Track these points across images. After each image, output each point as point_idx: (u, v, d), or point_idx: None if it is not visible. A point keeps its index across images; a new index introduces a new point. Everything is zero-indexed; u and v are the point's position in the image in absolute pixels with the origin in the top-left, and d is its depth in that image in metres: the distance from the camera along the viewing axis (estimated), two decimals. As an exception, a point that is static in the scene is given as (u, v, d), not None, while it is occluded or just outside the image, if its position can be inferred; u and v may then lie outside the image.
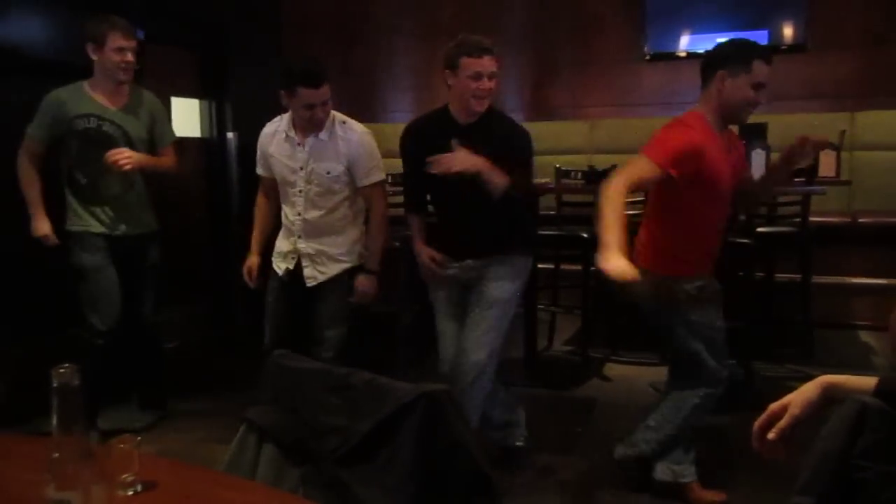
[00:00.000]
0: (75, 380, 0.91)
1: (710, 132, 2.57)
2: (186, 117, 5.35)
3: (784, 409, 1.34)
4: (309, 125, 3.00)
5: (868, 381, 1.30)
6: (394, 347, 4.31)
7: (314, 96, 2.89)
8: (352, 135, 3.06)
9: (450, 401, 1.23)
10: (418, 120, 3.07)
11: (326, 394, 1.39)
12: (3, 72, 3.80)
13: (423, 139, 2.91)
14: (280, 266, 3.17)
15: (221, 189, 5.51)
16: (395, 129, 6.96)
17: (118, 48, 3.29)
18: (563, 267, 4.68)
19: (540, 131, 6.19)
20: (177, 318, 5.15)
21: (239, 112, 5.49)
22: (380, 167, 3.13)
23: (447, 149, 2.73)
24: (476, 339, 2.84)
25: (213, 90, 5.47)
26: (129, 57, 3.32)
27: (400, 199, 4.89)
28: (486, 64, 2.78)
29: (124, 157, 3.26)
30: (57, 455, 0.94)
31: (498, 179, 2.69)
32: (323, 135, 3.02)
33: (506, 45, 6.48)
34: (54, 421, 0.93)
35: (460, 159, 2.67)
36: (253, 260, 3.26)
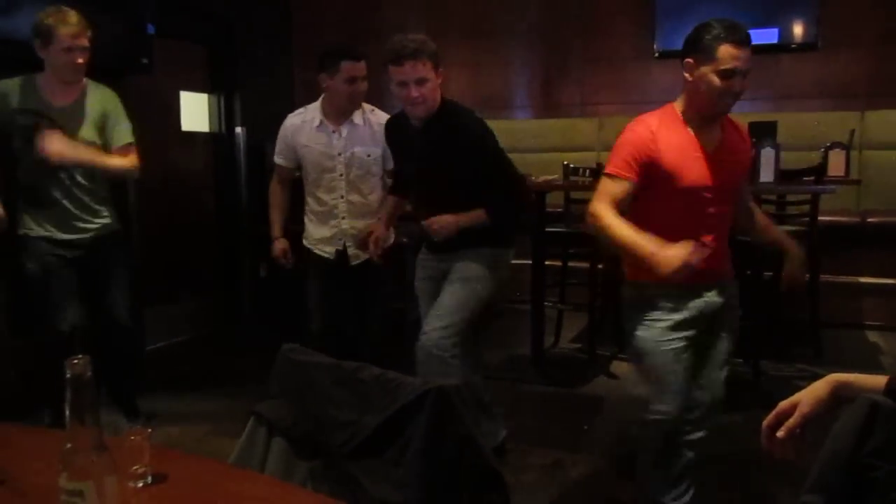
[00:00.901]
0: (88, 371, 0.92)
1: (676, 125, 2.29)
2: (195, 112, 5.36)
3: (793, 407, 1.33)
4: (350, 102, 3.19)
5: (878, 380, 1.30)
6: (401, 343, 4.31)
7: (357, 69, 3.12)
8: (383, 119, 3.22)
9: (459, 396, 1.23)
10: (392, 117, 3.06)
11: (336, 388, 1.40)
12: (13, 65, 3.81)
13: (392, 137, 3.04)
14: (327, 251, 3.37)
15: (229, 183, 5.51)
16: (404, 125, 6.89)
17: (66, 48, 2.94)
18: (571, 264, 4.67)
19: (549, 128, 6.25)
20: (184, 312, 5.18)
21: (247, 107, 5.50)
22: None
23: (406, 146, 2.88)
24: (434, 314, 2.80)
25: (222, 85, 5.48)
26: (79, 59, 2.97)
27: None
28: (409, 71, 2.59)
29: (49, 144, 2.92)
30: (70, 446, 0.95)
31: (468, 224, 2.74)
32: (357, 120, 3.24)
33: (515, 43, 6.49)
34: (67, 412, 0.93)
35: (438, 227, 2.76)
36: (283, 242, 3.43)
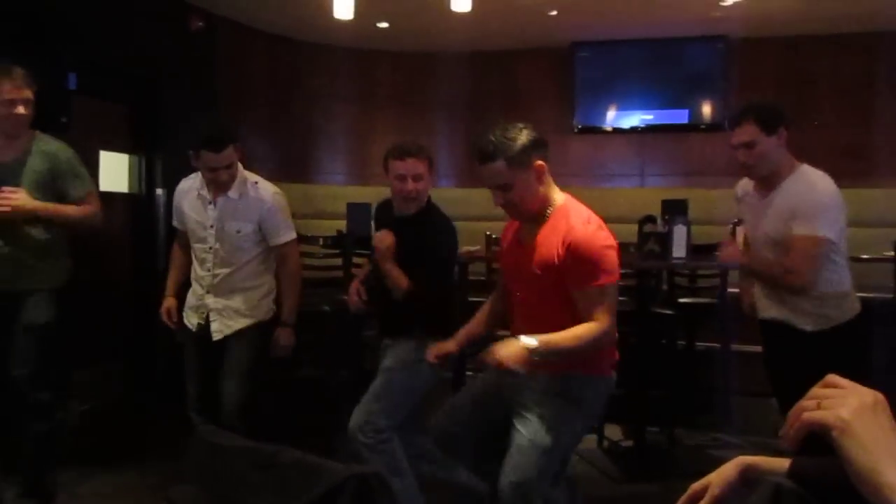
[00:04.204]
0: None
1: (514, 223, 2.52)
2: (114, 172, 5.25)
3: (704, 489, 1.38)
4: (213, 186, 3.12)
5: (782, 463, 1.35)
6: (321, 411, 4.24)
7: (216, 160, 3.02)
8: (263, 194, 3.18)
9: (381, 483, 1.22)
10: (381, 202, 3.28)
11: (254, 472, 1.36)
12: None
13: (377, 219, 3.21)
14: (192, 321, 3.25)
15: (147, 245, 5.38)
16: (327, 190, 6.99)
17: (7, 100, 3.06)
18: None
19: (472, 197, 6.32)
20: (95, 376, 4.96)
21: (169, 169, 5.41)
22: (291, 226, 3.27)
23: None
24: (359, 406, 2.93)
25: (144, 146, 5.39)
26: (20, 109, 3.08)
27: (329, 261, 4.90)
28: (410, 166, 2.90)
29: (5, 197, 3.00)
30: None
31: (397, 279, 2.87)
32: (233, 193, 3.14)
33: (441, 113, 6.66)
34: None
35: (379, 239, 2.93)
36: (170, 301, 3.31)
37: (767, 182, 2.87)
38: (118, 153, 5.28)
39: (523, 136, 2.26)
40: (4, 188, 3.02)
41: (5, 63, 3.11)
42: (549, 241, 2.28)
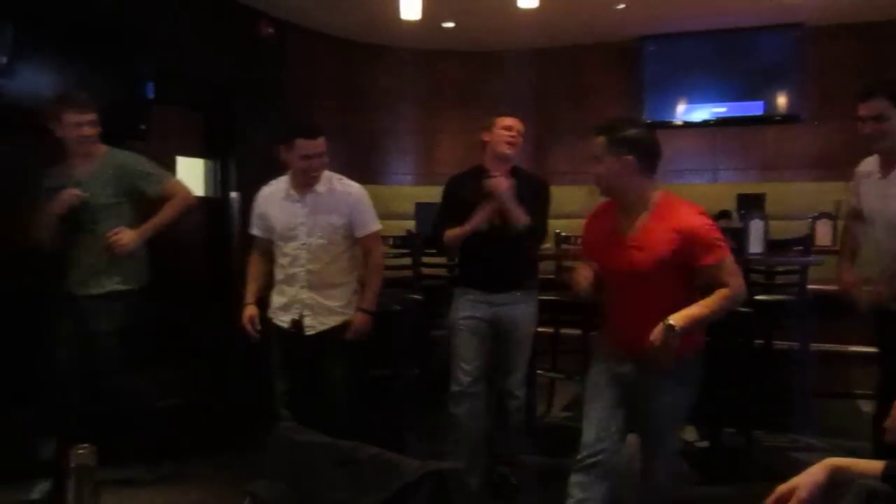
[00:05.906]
0: (92, 461, 0.92)
1: (610, 211, 2.58)
2: (190, 177, 5.41)
3: (791, 492, 1.34)
4: (306, 177, 3.24)
5: (875, 465, 1.30)
6: (392, 410, 4.28)
7: (311, 147, 3.16)
8: (350, 188, 3.35)
9: (456, 479, 1.22)
10: (460, 173, 3.50)
11: (332, 468, 1.39)
12: (8, 129, 3.85)
13: (459, 189, 3.39)
14: (284, 320, 3.34)
15: (222, 246, 5.53)
16: (395, 191, 7.05)
17: (73, 124, 3.33)
18: (563, 331, 4.68)
19: (540, 195, 6.35)
20: (174, 376, 5.12)
21: (243, 173, 5.56)
22: (376, 218, 3.42)
23: (481, 195, 3.21)
24: (517, 379, 3.40)
25: (219, 150, 5.55)
26: (86, 131, 3.36)
27: (398, 261, 4.94)
28: (515, 122, 3.41)
29: (116, 240, 3.34)
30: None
31: (520, 216, 3.18)
32: (321, 188, 3.27)
33: (506, 111, 6.62)
34: (70, 499, 0.93)
35: (497, 183, 3.18)
36: (252, 309, 3.38)
37: (889, 158, 2.99)
38: (194, 158, 5.44)
39: (630, 131, 2.47)
40: (110, 234, 3.34)
41: (68, 92, 3.43)
42: (660, 235, 2.43)
